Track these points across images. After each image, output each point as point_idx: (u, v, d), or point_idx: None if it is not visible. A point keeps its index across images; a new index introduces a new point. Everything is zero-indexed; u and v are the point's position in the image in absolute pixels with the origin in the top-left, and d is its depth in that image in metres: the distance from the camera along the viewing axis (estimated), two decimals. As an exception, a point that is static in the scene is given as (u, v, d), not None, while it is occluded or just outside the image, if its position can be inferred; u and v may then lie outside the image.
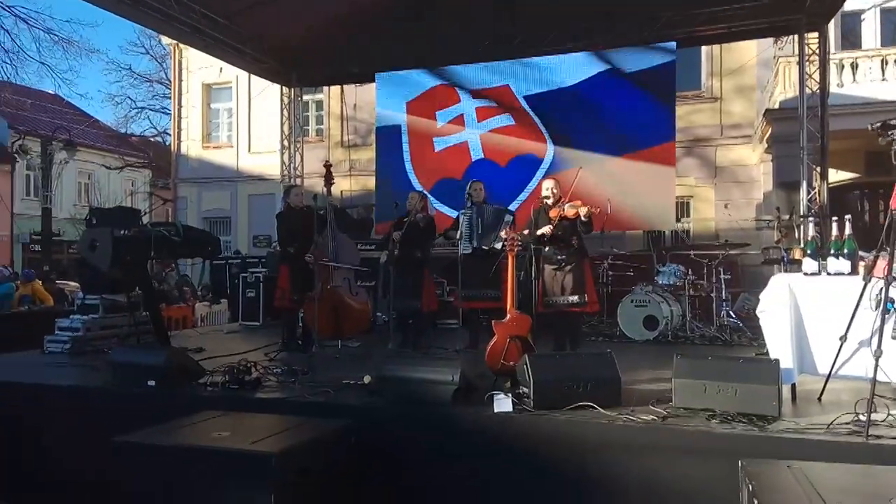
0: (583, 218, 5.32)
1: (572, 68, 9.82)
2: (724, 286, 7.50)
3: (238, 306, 9.25)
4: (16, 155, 20.64)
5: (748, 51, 13.43)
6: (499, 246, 5.60)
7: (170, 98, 20.87)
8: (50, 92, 26.39)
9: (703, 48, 13.68)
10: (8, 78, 14.20)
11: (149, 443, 3.36)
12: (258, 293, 8.84)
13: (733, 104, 14.11)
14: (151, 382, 4.49)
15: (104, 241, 5.97)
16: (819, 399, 4.02)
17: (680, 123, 13.09)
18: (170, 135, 21.11)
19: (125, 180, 28.17)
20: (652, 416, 3.59)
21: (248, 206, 18.22)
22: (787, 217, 7.86)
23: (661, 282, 7.62)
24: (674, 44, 9.36)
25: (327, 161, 6.42)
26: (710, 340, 7.07)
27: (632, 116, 9.44)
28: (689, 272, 7.61)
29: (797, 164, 8.99)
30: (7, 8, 13.85)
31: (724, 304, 7.52)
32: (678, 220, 11.91)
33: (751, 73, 13.86)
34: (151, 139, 28.82)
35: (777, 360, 3.78)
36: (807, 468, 2.77)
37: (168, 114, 22.27)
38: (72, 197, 26.02)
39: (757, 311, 4.40)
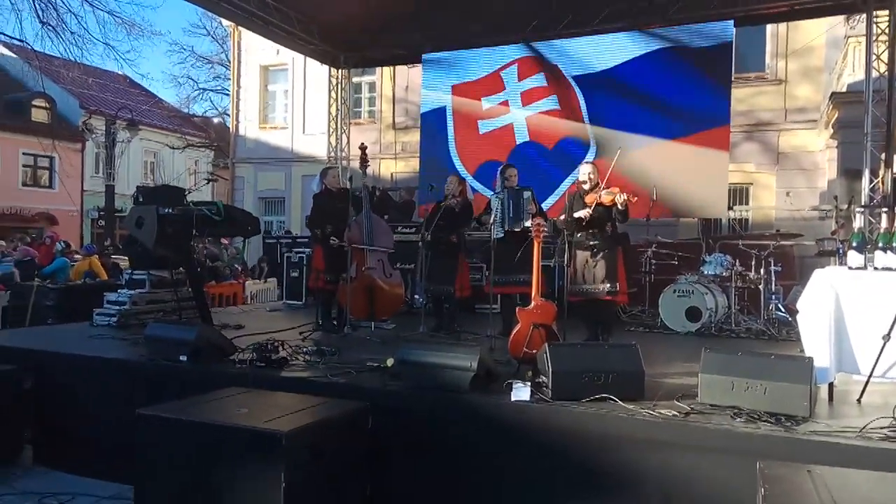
0: (619, 206, 5.16)
1: (623, 48, 9.52)
2: (773, 278, 7.17)
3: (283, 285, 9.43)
4: (82, 133, 21.54)
5: (815, 30, 12.72)
6: (528, 224, 5.47)
7: (230, 79, 21.36)
8: (120, 73, 27.37)
9: (768, 27, 13.04)
10: (75, 59, 14.75)
11: (167, 416, 3.46)
12: (301, 273, 8.98)
13: (799, 87, 13.44)
14: (183, 357, 4.62)
15: (150, 218, 6.15)
16: (858, 401, 3.81)
17: (741, 106, 12.60)
18: (230, 115, 21.63)
19: (189, 159, 29.07)
20: (674, 412, 3.47)
21: (302, 186, 18.42)
22: (845, 207, 7.43)
23: (706, 272, 7.32)
24: (731, 22, 8.95)
25: (363, 144, 6.43)
26: (756, 335, 6.77)
27: (685, 99, 9.10)
28: (737, 263, 7.30)
29: (863, 150, 8.51)
30: (73, -10, 14.37)
31: (773, 296, 7.19)
32: (730, 207, 11.45)
33: (818, 54, 13.16)
34: (213, 120, 29.66)
35: (811, 359, 3.59)
36: (828, 474, 2.63)
37: (228, 95, 22.81)
38: (138, 174, 27.02)
39: (797, 306, 4.20)
